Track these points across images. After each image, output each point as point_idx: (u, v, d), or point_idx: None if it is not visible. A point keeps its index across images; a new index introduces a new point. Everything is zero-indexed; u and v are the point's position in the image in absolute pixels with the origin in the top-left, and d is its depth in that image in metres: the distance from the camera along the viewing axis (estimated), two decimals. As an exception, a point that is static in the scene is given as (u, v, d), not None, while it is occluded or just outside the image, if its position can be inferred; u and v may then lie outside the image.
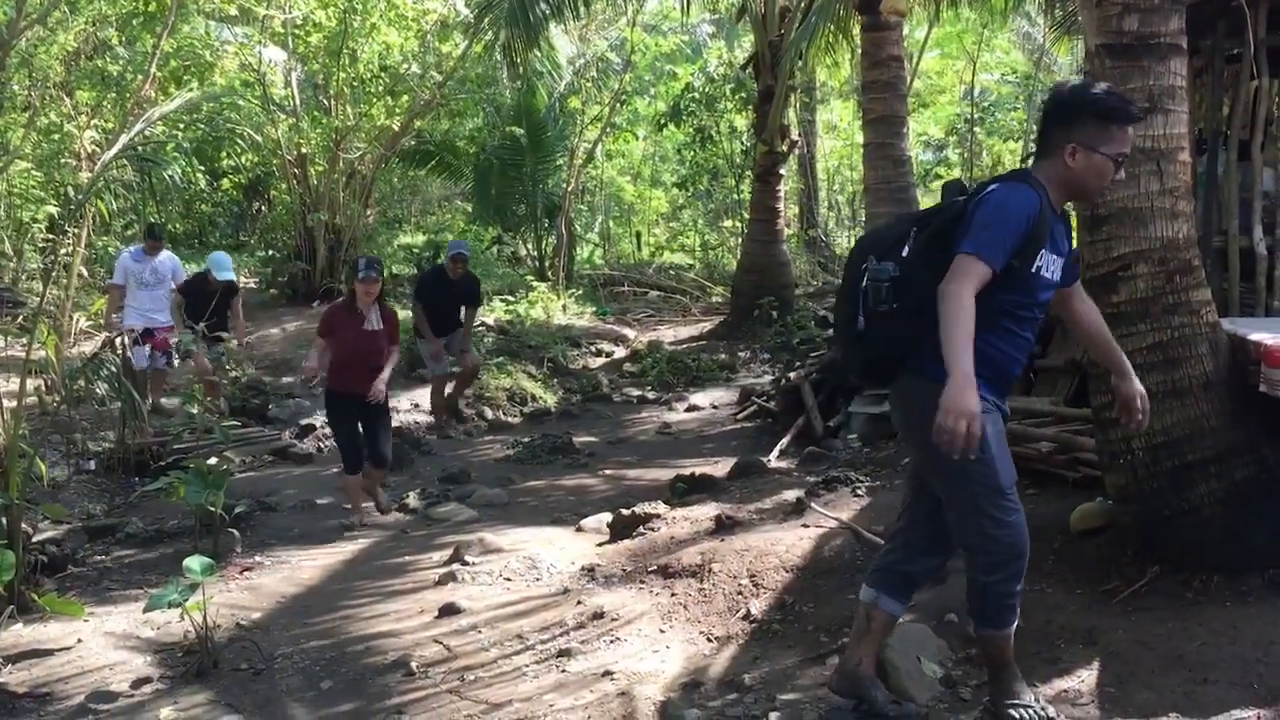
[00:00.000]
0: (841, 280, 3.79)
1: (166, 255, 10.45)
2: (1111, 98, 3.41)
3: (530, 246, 20.76)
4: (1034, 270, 3.36)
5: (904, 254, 3.44)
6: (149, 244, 10.30)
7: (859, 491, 6.18)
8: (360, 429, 7.41)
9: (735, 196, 22.42)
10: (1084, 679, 3.81)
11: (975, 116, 21.86)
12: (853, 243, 24.02)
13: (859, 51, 12.83)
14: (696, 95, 20.28)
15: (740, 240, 19.22)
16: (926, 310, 3.25)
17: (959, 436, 3.07)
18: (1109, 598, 4.37)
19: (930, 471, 3.56)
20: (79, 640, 5.02)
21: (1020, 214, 3.29)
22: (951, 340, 3.16)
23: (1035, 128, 16.56)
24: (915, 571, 3.71)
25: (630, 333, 16.02)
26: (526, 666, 4.64)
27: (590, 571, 5.76)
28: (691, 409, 11.36)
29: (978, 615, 3.59)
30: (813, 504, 5.98)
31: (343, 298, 7.62)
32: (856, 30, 12.99)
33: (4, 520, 5.35)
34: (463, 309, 10.65)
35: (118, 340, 8.64)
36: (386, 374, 7.35)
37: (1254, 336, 4.47)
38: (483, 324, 13.90)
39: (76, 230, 11.86)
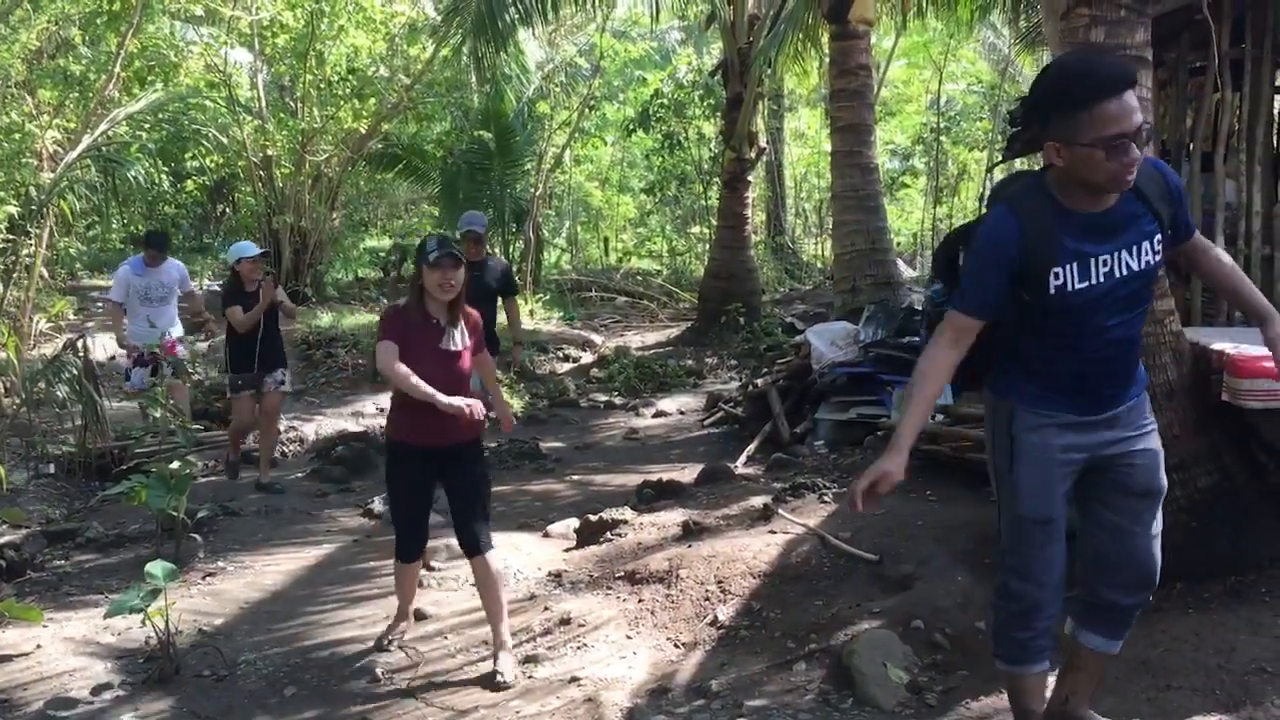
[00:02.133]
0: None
1: (171, 263, 9.39)
2: (1068, 79, 2.90)
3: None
4: (1053, 293, 2.96)
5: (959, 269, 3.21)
6: (149, 254, 9.17)
7: (826, 498, 6.20)
8: (432, 491, 4.89)
9: (703, 203, 22.47)
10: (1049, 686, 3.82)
11: (941, 126, 22.03)
12: (821, 249, 24.07)
13: (827, 60, 12.90)
14: (665, 101, 20.33)
15: (708, 246, 19.27)
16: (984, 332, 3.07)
17: (854, 489, 2.96)
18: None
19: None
20: (38, 646, 4.95)
21: (988, 250, 3.02)
22: (906, 398, 3.11)
23: (1000, 138, 16.71)
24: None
25: (598, 338, 16.01)
26: (497, 674, 4.61)
27: (557, 577, 5.74)
28: (659, 415, 11.35)
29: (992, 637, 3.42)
30: (780, 510, 5.98)
31: (405, 298, 4.74)
32: (825, 38, 13.06)
33: (-39, 524, 5.27)
34: (491, 300, 8.03)
35: (79, 343, 8.50)
36: (504, 398, 5.49)
37: (1216, 346, 4.52)
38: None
39: (38, 231, 11.71)
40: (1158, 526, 3.21)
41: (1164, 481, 3.19)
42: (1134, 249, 2.99)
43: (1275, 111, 6.56)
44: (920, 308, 9.63)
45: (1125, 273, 2.98)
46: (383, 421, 10.39)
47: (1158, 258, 3.04)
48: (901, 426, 3.01)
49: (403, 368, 4.44)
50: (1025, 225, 2.95)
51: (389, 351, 4.47)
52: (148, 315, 8.86)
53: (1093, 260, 2.96)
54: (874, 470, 2.92)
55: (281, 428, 9.88)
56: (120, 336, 9.19)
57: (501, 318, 8.60)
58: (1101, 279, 2.97)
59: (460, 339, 4.63)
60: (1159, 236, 3.02)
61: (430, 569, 5.99)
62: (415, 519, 4.83)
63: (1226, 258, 3.35)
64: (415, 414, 4.53)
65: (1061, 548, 3.19)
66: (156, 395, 7.57)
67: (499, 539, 6.18)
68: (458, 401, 4.39)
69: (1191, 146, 6.61)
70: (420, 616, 5.28)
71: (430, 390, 4.40)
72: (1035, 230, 2.94)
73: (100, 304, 15.00)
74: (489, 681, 4.49)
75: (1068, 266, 2.95)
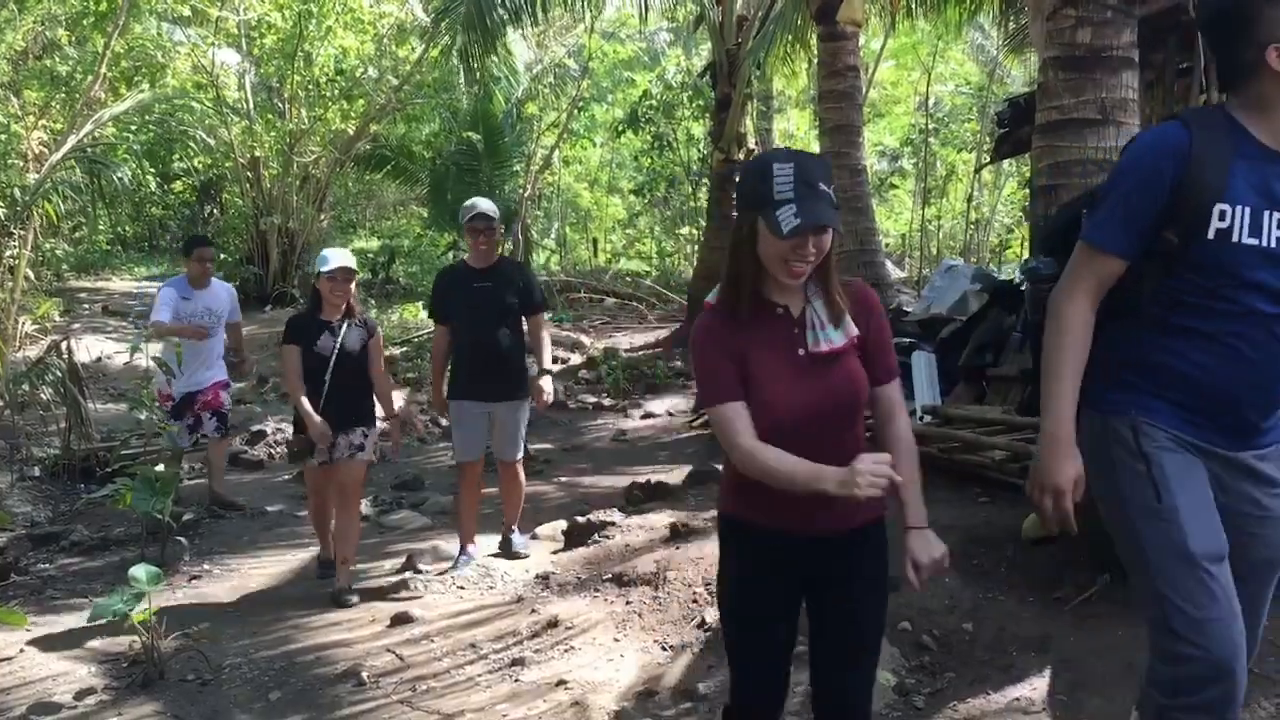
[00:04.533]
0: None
1: (220, 285, 7.59)
2: None
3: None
4: (1211, 238, 2.29)
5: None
6: (195, 266, 7.27)
7: (814, 499, 6.17)
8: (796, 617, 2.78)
9: (692, 204, 22.47)
10: (1036, 687, 3.83)
11: (930, 127, 22.05)
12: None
13: (816, 61, 12.90)
14: (654, 102, 20.32)
15: (696, 247, 19.26)
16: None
17: (1046, 515, 2.43)
18: (1061, 606, 4.41)
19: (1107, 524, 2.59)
20: (21, 650, 4.92)
21: (1145, 161, 2.35)
22: (1043, 374, 2.44)
23: (989, 139, 16.75)
24: None
25: (586, 339, 15.98)
26: (480, 676, 4.60)
27: (545, 579, 5.72)
28: (647, 416, 11.33)
29: None
30: (768, 512, 5.96)
31: (717, 292, 2.62)
32: (814, 40, 13.07)
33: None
34: (510, 322, 6.04)
35: (63, 344, 8.43)
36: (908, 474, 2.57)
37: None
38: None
39: (22, 232, 11.65)
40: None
41: None
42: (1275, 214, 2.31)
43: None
44: (908, 308, 9.64)
45: (1270, 241, 2.31)
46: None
47: None
48: (1053, 411, 2.40)
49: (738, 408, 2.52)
50: (1197, 140, 2.31)
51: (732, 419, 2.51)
52: (190, 351, 7.05)
53: (1269, 216, 2.31)
54: (1040, 486, 2.42)
55: (269, 429, 9.81)
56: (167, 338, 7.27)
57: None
58: (1274, 243, 2.30)
59: (834, 333, 2.55)
60: None
61: (417, 571, 5.97)
62: (767, 665, 2.75)
63: None
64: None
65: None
66: (143, 398, 7.52)
67: (484, 541, 6.18)
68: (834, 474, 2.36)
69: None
70: (406, 619, 5.26)
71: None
72: (1208, 150, 2.30)
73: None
74: None
75: (1239, 209, 2.29)
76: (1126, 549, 2.48)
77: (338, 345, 5.64)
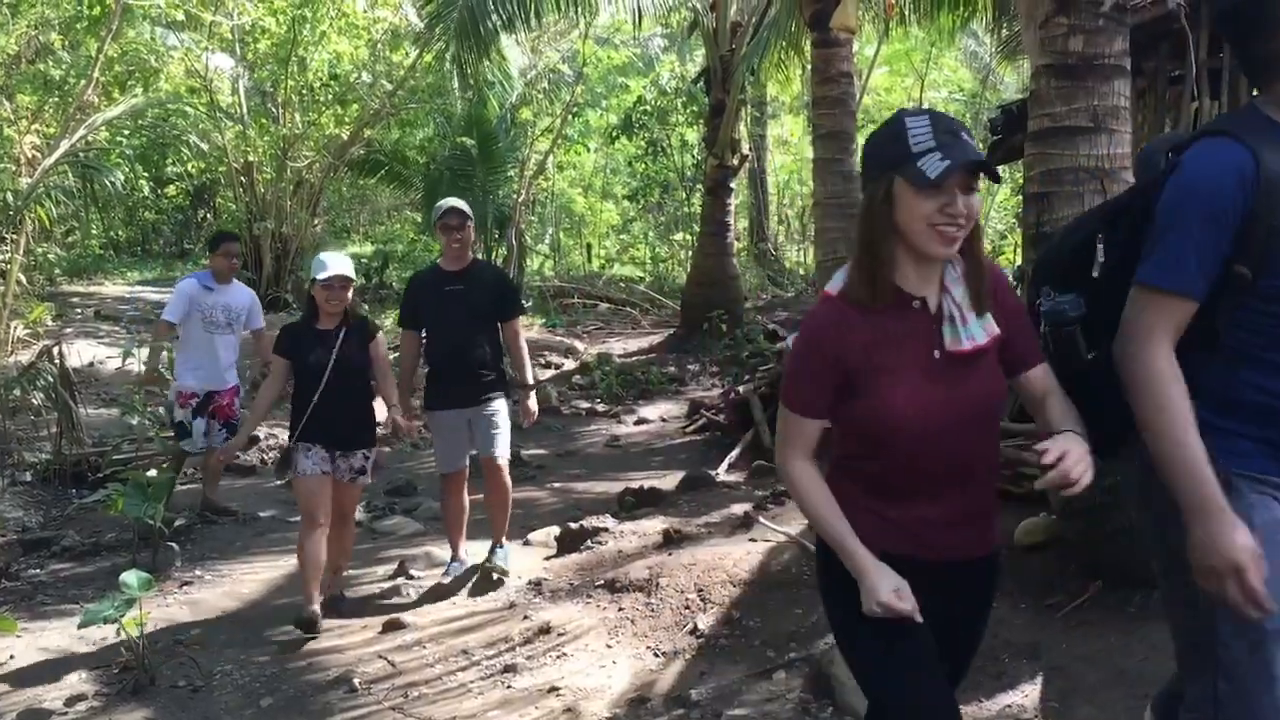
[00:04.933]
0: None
1: (241, 287, 7.57)
2: None
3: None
4: None
5: (1094, 274, 2.31)
6: (221, 261, 7.28)
7: (807, 505, 6.18)
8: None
9: (686, 209, 22.48)
10: (1027, 694, 3.83)
11: (923, 133, 22.08)
12: (803, 256, 23.99)
13: (809, 67, 12.91)
14: (648, 108, 20.33)
15: (690, 253, 19.26)
16: None
17: (1236, 603, 1.98)
18: (1052, 612, 4.41)
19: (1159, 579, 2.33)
20: (11, 656, 4.92)
21: (1201, 194, 2.06)
22: (1160, 436, 2.06)
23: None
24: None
25: (580, 345, 15.98)
26: (472, 683, 4.60)
27: (537, 585, 5.72)
28: (640, 422, 11.33)
29: None
30: (761, 518, 5.98)
31: (840, 278, 2.31)
32: (807, 46, 13.07)
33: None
34: (485, 327, 5.79)
35: (55, 349, 8.40)
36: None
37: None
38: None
39: (15, 237, 11.63)
40: None
41: None
42: None
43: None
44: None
45: None
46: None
47: None
48: (1194, 475, 2.01)
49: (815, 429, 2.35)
50: (1265, 160, 2.02)
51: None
52: (202, 347, 7.12)
53: None
54: (1213, 571, 1.98)
55: (261, 434, 9.77)
56: (153, 366, 7.28)
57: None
58: None
59: (977, 329, 2.25)
60: None
61: (410, 577, 5.96)
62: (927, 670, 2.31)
63: None
64: (893, 499, 2.32)
65: None
66: (134, 403, 7.51)
67: (476, 548, 6.17)
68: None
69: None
70: (398, 626, 5.26)
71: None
72: (1276, 168, 2.01)
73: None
74: None
75: None
76: (1191, 625, 2.14)
77: (333, 359, 5.27)
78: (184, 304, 7.06)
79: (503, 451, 5.79)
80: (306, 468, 5.27)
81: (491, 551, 5.93)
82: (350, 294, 5.43)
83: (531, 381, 5.95)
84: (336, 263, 5.37)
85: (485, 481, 5.90)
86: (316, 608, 5.25)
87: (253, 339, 7.60)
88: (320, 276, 5.28)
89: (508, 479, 5.89)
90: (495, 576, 5.79)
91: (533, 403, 5.92)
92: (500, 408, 5.77)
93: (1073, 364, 2.29)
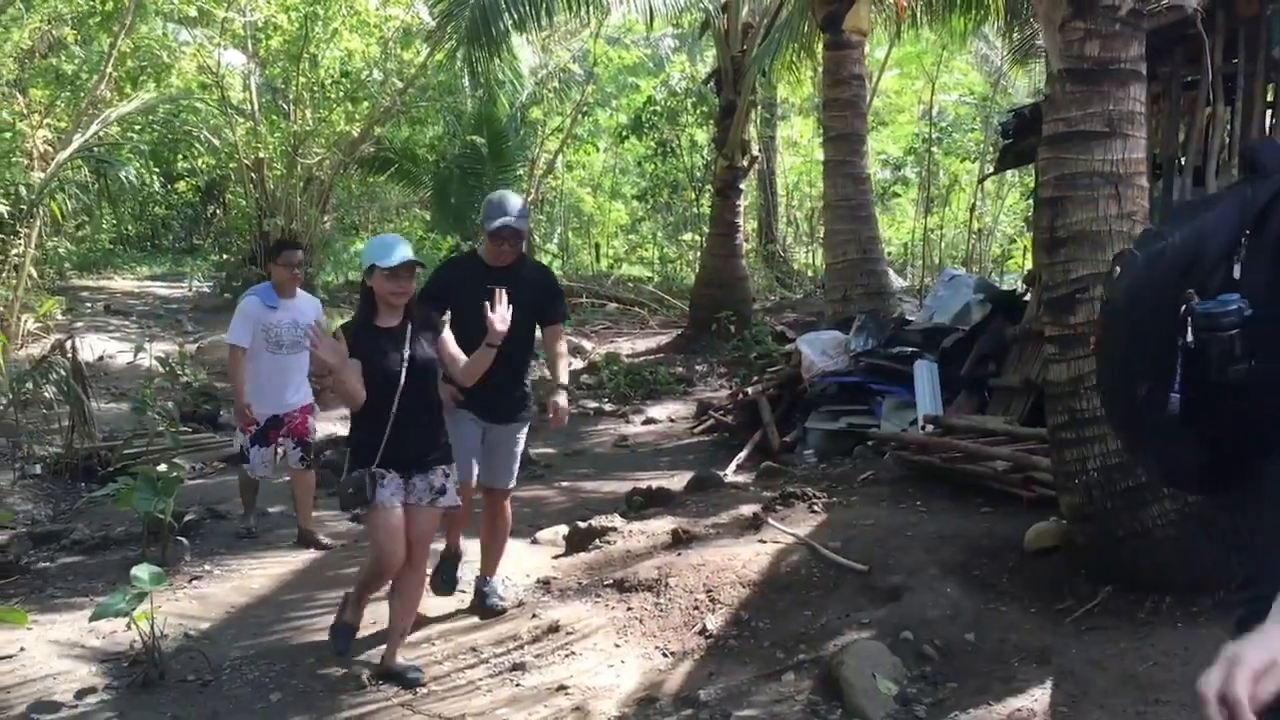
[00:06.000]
0: (1109, 329, 2.26)
1: (307, 299, 6.89)
2: None
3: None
4: None
5: (1234, 275, 2.06)
6: (282, 272, 6.58)
7: (815, 507, 6.19)
8: None
9: (695, 210, 22.48)
10: (1037, 698, 3.83)
11: (933, 136, 22.06)
12: (812, 258, 23.92)
13: (821, 69, 12.91)
14: (658, 108, 20.34)
15: (699, 254, 19.27)
16: None
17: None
18: (1062, 617, 4.41)
19: None
20: (21, 649, 4.92)
21: None
22: None
23: (992, 149, 16.77)
24: None
25: (588, 344, 15.99)
26: (480, 680, 4.60)
27: (546, 585, 5.72)
28: (649, 422, 11.33)
29: None
30: (769, 519, 5.97)
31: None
32: (819, 47, 13.07)
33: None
34: (525, 333, 5.10)
35: (68, 343, 8.41)
36: None
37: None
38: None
39: (27, 230, 11.66)
40: None
41: None
42: None
43: (1267, 126, 6.58)
44: (910, 318, 9.64)
45: None
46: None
47: None
48: None
49: None
50: None
51: None
52: (271, 368, 6.54)
53: None
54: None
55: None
56: (243, 406, 6.55)
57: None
58: None
59: None
60: None
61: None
62: None
63: None
64: None
65: None
66: (145, 398, 7.53)
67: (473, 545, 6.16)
68: None
69: (1184, 161, 6.63)
70: (408, 623, 5.25)
71: None
72: None
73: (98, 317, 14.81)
74: None
75: None
76: None
77: (406, 361, 4.42)
78: (248, 324, 6.46)
79: (513, 482, 5.42)
80: (384, 498, 4.41)
81: (485, 585, 5.44)
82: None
83: (566, 382, 5.35)
84: (401, 247, 4.49)
85: (485, 507, 5.41)
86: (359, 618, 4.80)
87: None
88: (383, 264, 4.39)
89: (510, 514, 5.48)
90: (492, 605, 5.34)
91: (563, 399, 5.20)
92: (524, 433, 5.35)
93: (1228, 374, 1.97)
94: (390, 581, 4.64)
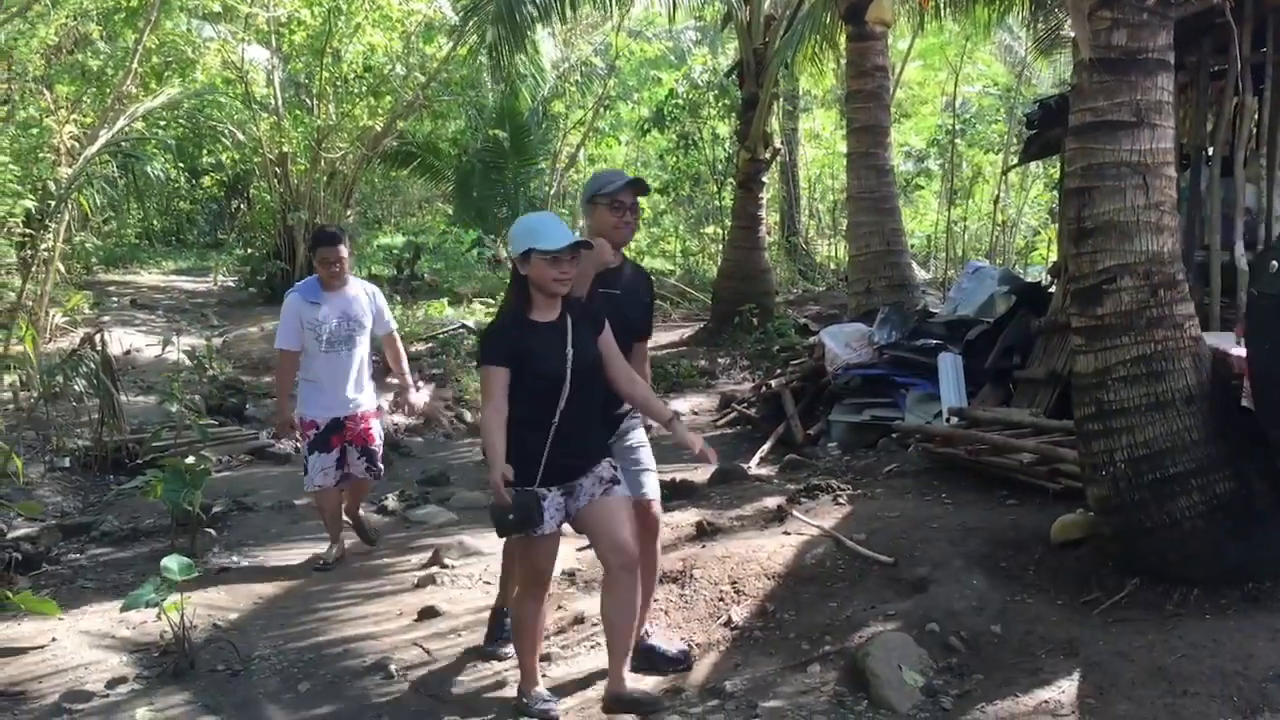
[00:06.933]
0: (1265, 322, 2.07)
1: (360, 285, 6.29)
2: None
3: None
4: None
5: None
6: (320, 269, 6.04)
7: (840, 500, 6.18)
8: None
9: (717, 203, 22.44)
10: (1065, 690, 3.82)
11: (957, 128, 21.96)
12: (835, 251, 23.85)
13: (844, 61, 12.88)
14: (680, 101, 20.30)
15: (721, 247, 19.24)
16: None
17: None
18: (1089, 609, 4.40)
19: None
20: (53, 639, 4.97)
21: None
22: None
23: (1016, 140, 16.68)
24: None
25: (610, 337, 15.98)
26: (506, 671, 4.62)
27: (571, 576, 5.74)
28: (672, 414, 11.33)
29: None
30: (794, 511, 5.97)
31: None
32: (842, 39, 13.04)
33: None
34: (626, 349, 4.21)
35: (97, 336, 8.46)
36: None
37: (1237, 352, 4.50)
38: (463, 326, 13.79)
39: (55, 226, 11.76)
40: None
41: None
42: None
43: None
44: (934, 310, 9.61)
45: None
46: (396, 418, 10.31)
47: None
48: None
49: None
50: None
51: None
52: (331, 367, 6.02)
53: None
54: None
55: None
56: (285, 413, 6.19)
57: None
58: None
59: None
60: None
61: (444, 566, 6.00)
62: None
63: None
64: None
65: None
66: (173, 391, 7.58)
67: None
68: None
69: (1211, 151, 6.58)
70: (433, 613, 5.29)
71: None
72: None
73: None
74: None
75: None
76: None
77: (570, 357, 3.84)
78: (292, 325, 5.95)
79: (656, 491, 4.71)
80: (550, 526, 3.93)
81: (649, 649, 4.55)
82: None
83: (681, 410, 4.28)
84: (564, 228, 3.86)
85: (638, 530, 4.29)
86: (543, 690, 4.20)
87: (383, 344, 6.40)
88: (545, 248, 3.76)
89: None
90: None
91: (684, 429, 4.27)
92: (641, 432, 4.71)
93: None
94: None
